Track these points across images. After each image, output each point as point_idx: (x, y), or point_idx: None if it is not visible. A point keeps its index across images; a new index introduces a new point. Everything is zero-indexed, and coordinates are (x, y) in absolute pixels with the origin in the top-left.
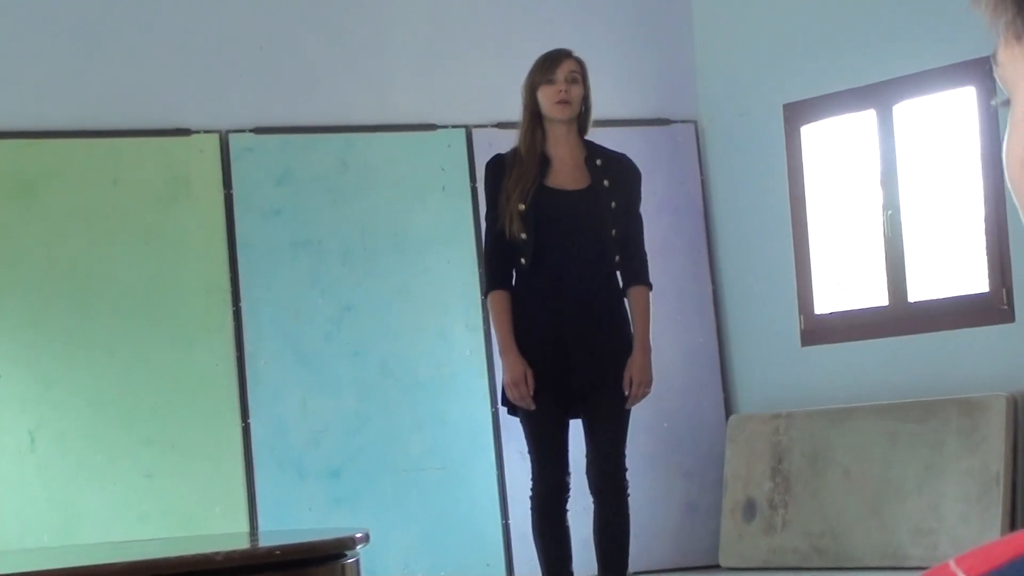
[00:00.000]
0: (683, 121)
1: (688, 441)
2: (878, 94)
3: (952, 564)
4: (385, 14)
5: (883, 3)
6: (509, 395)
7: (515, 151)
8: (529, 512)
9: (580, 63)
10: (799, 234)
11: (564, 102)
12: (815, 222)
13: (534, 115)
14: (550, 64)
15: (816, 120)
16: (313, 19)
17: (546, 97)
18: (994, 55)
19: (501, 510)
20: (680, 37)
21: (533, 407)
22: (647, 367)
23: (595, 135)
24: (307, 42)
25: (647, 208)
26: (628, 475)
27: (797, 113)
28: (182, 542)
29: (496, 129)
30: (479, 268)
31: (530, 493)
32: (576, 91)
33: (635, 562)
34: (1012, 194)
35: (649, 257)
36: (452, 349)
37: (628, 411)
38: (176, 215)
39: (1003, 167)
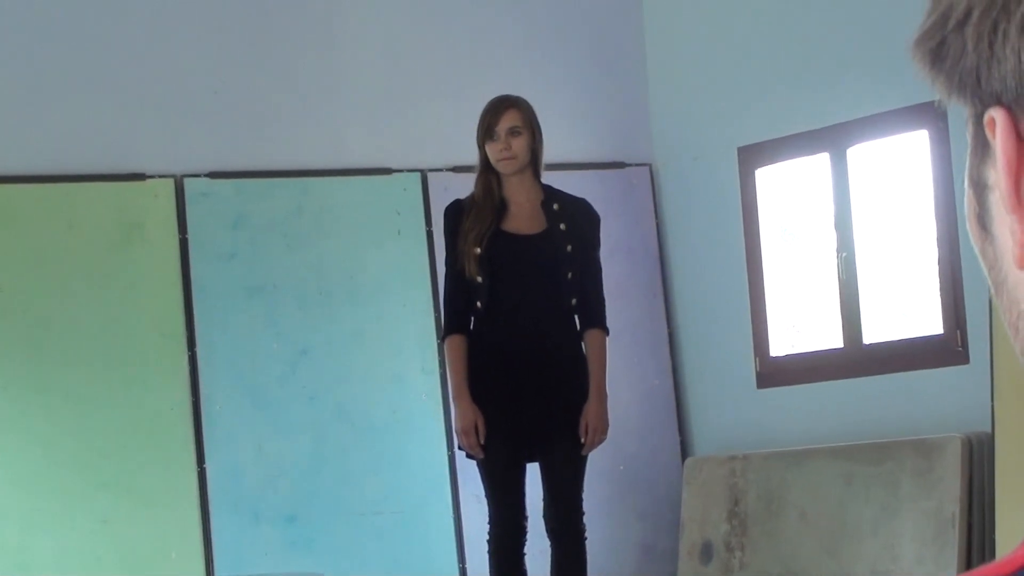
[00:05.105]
0: (638, 164)
1: (644, 484)
2: (832, 137)
3: None
4: (340, 59)
5: (836, 47)
6: (459, 443)
7: (473, 196)
8: (486, 555)
9: (523, 111)
10: (754, 277)
11: (507, 159)
12: (770, 265)
13: (487, 163)
14: (490, 118)
15: (770, 163)
16: (268, 64)
17: (490, 153)
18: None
19: (458, 554)
20: (634, 80)
21: (482, 456)
22: (603, 414)
23: (549, 179)
24: (262, 87)
25: (602, 251)
26: (585, 518)
27: (751, 156)
28: None
29: (451, 173)
30: (435, 312)
31: (487, 536)
32: (519, 143)
33: None
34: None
35: (605, 300)
36: (408, 393)
37: (585, 456)
38: (131, 260)
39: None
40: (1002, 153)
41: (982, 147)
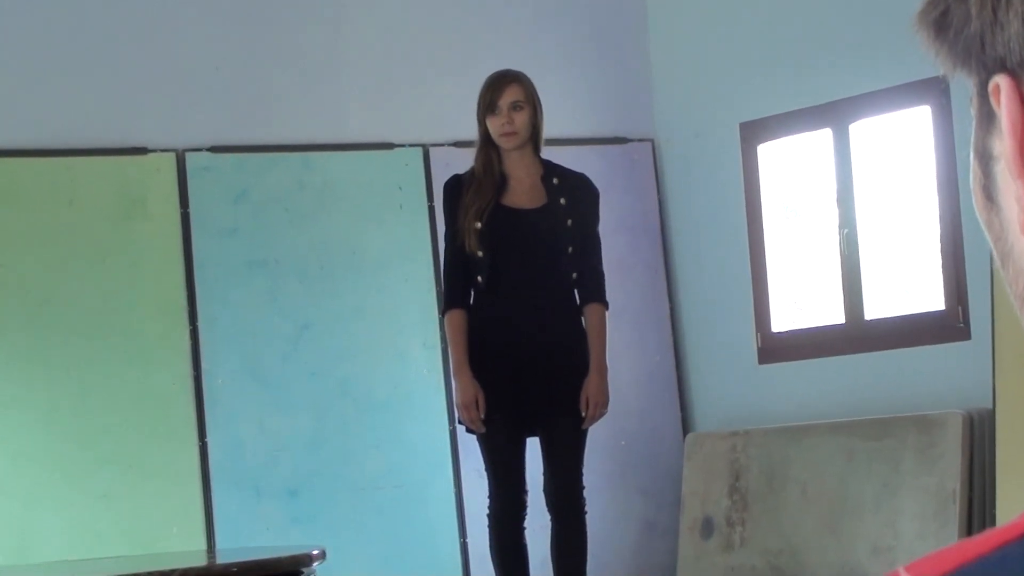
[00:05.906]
0: (640, 140)
1: (645, 459)
2: (834, 113)
3: (902, 571)
4: (341, 33)
5: (839, 22)
6: (460, 417)
7: (473, 170)
8: (487, 530)
9: (524, 86)
10: (756, 252)
11: (509, 133)
12: (772, 240)
13: (487, 137)
14: (492, 93)
15: (772, 139)
16: (270, 38)
17: (491, 128)
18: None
19: (459, 528)
20: (636, 56)
21: (483, 430)
22: (603, 388)
23: (551, 154)
24: (264, 61)
25: (604, 227)
26: (585, 493)
27: (753, 132)
28: (138, 560)
29: (453, 148)
30: (436, 287)
31: (487, 511)
32: (521, 118)
33: None
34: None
35: (606, 276)
36: (409, 368)
37: (585, 430)
38: (132, 234)
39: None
40: (1007, 118)
41: (987, 118)
